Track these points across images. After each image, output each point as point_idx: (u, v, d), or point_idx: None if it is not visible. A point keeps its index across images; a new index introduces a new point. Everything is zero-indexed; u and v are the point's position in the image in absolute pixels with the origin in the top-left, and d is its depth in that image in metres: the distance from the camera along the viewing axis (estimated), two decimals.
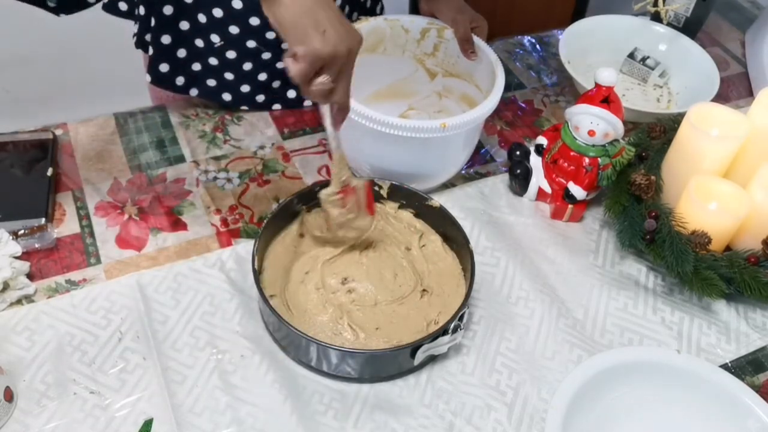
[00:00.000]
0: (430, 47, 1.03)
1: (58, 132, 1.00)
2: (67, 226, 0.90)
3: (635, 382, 0.80)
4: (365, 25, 0.98)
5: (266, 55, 1.02)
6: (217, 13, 0.96)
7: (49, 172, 0.92)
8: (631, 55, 1.22)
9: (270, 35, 0.99)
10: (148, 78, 1.02)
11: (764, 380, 0.84)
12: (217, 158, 1.01)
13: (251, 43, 1.00)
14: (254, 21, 0.97)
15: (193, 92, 1.04)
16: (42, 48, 1.86)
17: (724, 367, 0.84)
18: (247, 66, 1.02)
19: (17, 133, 0.98)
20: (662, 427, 0.79)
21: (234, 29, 0.98)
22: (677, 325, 0.88)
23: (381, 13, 1.12)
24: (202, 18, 0.97)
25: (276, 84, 1.06)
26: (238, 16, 0.96)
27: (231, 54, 1.01)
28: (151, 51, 0.99)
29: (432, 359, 0.81)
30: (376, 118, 0.85)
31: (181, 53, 1.01)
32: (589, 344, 0.85)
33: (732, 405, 0.78)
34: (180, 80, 1.03)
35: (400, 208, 0.92)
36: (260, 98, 1.07)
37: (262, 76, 1.04)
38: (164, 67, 1.01)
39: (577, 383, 0.77)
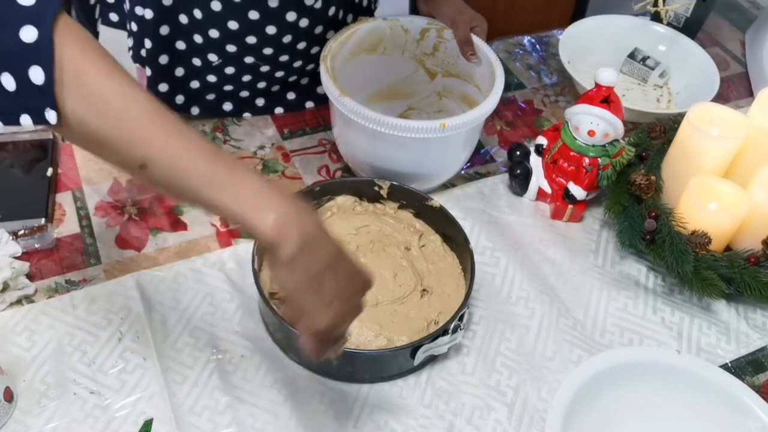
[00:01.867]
0: (429, 47, 1.03)
1: None
2: (67, 226, 0.90)
3: (635, 383, 0.80)
4: (365, 26, 0.98)
5: (265, 68, 1.01)
6: (214, 33, 0.94)
7: (49, 172, 0.92)
8: (631, 55, 1.22)
9: (267, 51, 0.97)
10: None
11: (764, 380, 0.84)
12: None
13: (249, 59, 0.99)
14: (251, 40, 0.95)
15: (195, 111, 1.04)
16: None
17: (724, 367, 0.84)
18: (246, 78, 1.02)
19: (17, 133, 0.97)
20: (662, 427, 0.79)
21: (231, 48, 0.96)
22: (677, 325, 0.88)
23: (375, 8, 1.11)
24: (198, 39, 0.95)
25: (275, 88, 1.06)
26: (235, 35, 0.95)
27: (230, 70, 1.00)
28: (149, 72, 0.97)
29: (432, 359, 0.81)
30: (375, 119, 0.85)
31: (179, 72, 1.00)
32: (589, 344, 0.85)
33: (732, 405, 0.78)
34: (180, 99, 1.02)
35: (400, 208, 0.92)
36: (260, 102, 1.07)
37: (261, 84, 1.04)
38: (163, 87, 1.00)
39: (577, 383, 0.77)
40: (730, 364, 0.85)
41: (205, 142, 0.55)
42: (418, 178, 0.94)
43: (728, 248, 0.92)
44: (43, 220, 0.87)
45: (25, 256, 0.85)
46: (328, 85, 0.88)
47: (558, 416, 0.74)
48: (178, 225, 0.92)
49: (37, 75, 0.51)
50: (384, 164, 0.93)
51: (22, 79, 0.51)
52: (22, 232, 0.86)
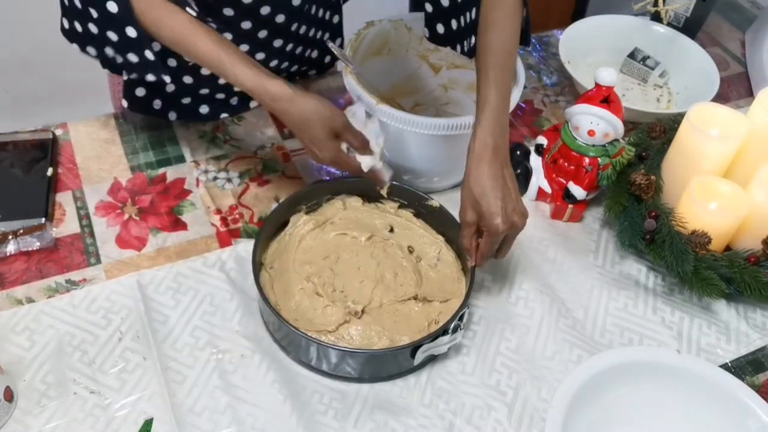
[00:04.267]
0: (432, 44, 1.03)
1: (58, 132, 1.00)
2: (67, 226, 0.90)
3: (635, 382, 0.80)
4: (372, 30, 0.99)
5: None
6: None
7: (49, 172, 0.92)
8: (631, 55, 1.22)
9: (243, 48, 0.96)
10: (125, 103, 0.99)
11: (764, 380, 0.84)
12: (217, 158, 1.01)
13: None
14: (227, 36, 0.93)
15: (172, 116, 1.03)
16: (42, 48, 1.86)
17: (724, 367, 0.84)
18: (222, 79, 1.01)
19: (17, 133, 0.98)
20: (662, 427, 0.79)
21: None
22: (677, 325, 0.88)
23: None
24: None
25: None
26: None
27: (205, 70, 0.97)
28: (125, 75, 0.95)
29: (432, 359, 0.81)
30: (425, 123, 0.86)
31: None
32: (589, 344, 0.85)
33: (732, 405, 0.78)
34: (157, 103, 1.01)
35: (400, 207, 0.92)
36: (234, 101, 1.05)
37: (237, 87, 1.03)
38: (140, 91, 0.98)
39: (577, 383, 0.77)
40: (730, 364, 0.85)
41: (221, 45, 0.81)
42: (453, 174, 0.96)
43: (728, 248, 0.92)
44: (43, 220, 0.87)
45: (25, 255, 0.85)
46: (362, 95, 0.88)
47: (558, 416, 0.74)
48: (178, 225, 0.92)
49: (132, 31, 0.81)
50: (430, 165, 0.94)
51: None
52: (21, 231, 0.86)
